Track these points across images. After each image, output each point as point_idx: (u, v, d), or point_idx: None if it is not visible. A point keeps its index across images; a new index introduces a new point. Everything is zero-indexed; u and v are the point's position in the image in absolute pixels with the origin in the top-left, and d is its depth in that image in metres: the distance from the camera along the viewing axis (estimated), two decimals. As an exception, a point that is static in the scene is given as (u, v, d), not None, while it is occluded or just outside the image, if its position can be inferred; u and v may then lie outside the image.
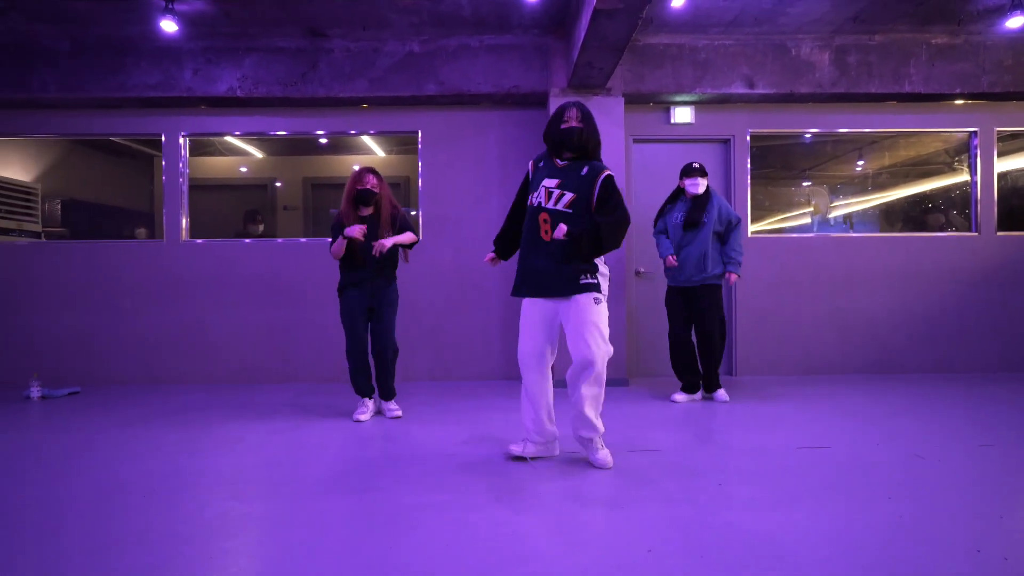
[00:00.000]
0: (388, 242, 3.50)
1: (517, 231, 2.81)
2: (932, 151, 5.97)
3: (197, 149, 5.88)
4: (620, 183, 4.79)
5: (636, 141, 5.16)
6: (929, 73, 4.89)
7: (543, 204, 2.62)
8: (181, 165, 5.12)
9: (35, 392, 4.37)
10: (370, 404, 3.72)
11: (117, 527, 2.06)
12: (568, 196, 2.59)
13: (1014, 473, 2.54)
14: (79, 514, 2.19)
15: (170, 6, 4.09)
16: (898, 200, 5.97)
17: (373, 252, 3.47)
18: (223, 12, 4.38)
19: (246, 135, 5.33)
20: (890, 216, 5.96)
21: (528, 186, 2.76)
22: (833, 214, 5.93)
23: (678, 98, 5.02)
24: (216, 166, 6.71)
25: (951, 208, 5.64)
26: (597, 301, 2.60)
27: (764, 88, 4.90)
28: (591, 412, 2.63)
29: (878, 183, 5.97)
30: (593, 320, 2.57)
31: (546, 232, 2.60)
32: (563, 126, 2.65)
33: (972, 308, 5.19)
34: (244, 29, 4.67)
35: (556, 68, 4.81)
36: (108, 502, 2.30)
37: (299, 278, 5.08)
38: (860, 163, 6.02)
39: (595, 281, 2.61)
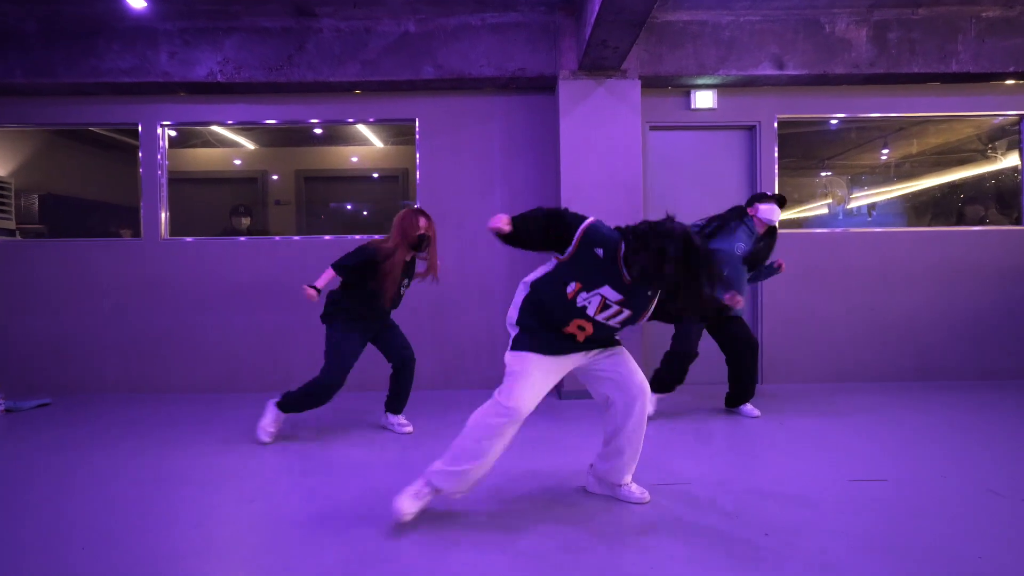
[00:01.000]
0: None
1: (531, 241, 2.10)
2: (963, 137, 5.52)
3: (185, 140, 5.52)
4: (638, 174, 4.37)
5: (653, 128, 4.73)
6: (979, 50, 4.42)
7: (589, 312, 2.08)
8: (160, 157, 4.73)
9: (-1, 405, 4.02)
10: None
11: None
12: (625, 314, 2.09)
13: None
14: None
15: (138, -20, 3.69)
16: (928, 190, 5.52)
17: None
18: (199, -13, 3.98)
19: (229, 124, 4.94)
20: (919, 208, 5.52)
21: (566, 233, 2.06)
22: (854, 204, 5.50)
23: (699, 81, 4.58)
24: (203, 158, 6.33)
25: (987, 199, 5.20)
26: None
27: (794, 69, 4.45)
28: None
29: (904, 172, 5.52)
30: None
31: (580, 332, 2.14)
32: (660, 271, 1.88)
33: (1022, 309, 4.74)
34: (224, 7, 4.27)
35: (566, 49, 4.38)
36: (44, 550, 1.93)
37: (290, 278, 4.69)
38: (885, 152, 5.58)
39: None
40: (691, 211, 4.70)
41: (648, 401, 2.27)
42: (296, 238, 4.80)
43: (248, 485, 2.59)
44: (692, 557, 1.86)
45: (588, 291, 2.05)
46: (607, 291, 2.04)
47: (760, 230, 3.57)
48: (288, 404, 3.20)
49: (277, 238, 4.83)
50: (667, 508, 2.27)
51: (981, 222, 5.00)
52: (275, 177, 6.43)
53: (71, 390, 4.65)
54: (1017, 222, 4.90)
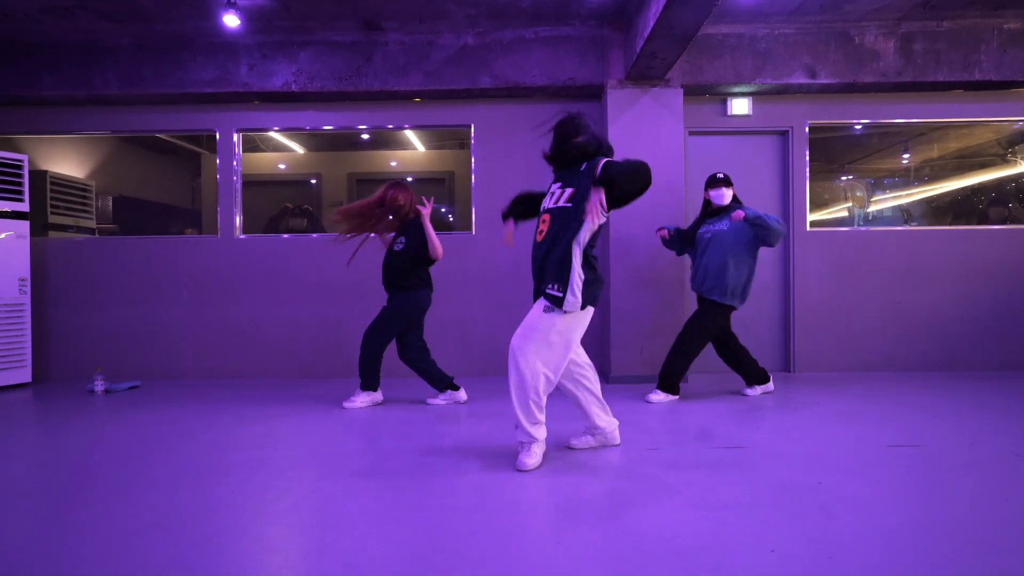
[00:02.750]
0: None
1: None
2: (983, 142, 5.80)
3: (244, 145, 5.92)
4: (679, 177, 4.72)
5: (692, 134, 5.07)
6: (1001, 60, 4.72)
7: (546, 205, 2.68)
8: (235, 162, 5.14)
9: (99, 386, 4.41)
10: None
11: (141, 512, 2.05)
12: (568, 191, 2.61)
13: None
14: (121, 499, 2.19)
15: (233, 0, 4.09)
16: (952, 192, 5.80)
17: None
18: (283, 6, 4.38)
19: (299, 130, 5.33)
20: (941, 210, 5.80)
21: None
22: (874, 208, 5.79)
23: (736, 89, 4.91)
24: (260, 162, 6.75)
25: (1008, 201, 5.47)
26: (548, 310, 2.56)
27: (825, 78, 4.77)
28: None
29: (925, 175, 5.81)
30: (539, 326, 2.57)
31: (541, 232, 2.64)
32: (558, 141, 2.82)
33: (1042, 304, 5.02)
34: (300, 23, 4.67)
35: (613, 60, 4.73)
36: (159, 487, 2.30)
37: (347, 274, 5.06)
38: (906, 156, 5.86)
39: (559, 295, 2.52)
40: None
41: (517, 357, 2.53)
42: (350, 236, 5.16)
43: (311, 447, 2.96)
44: (758, 495, 2.20)
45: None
46: (554, 186, 2.72)
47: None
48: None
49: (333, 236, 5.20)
50: (729, 463, 2.60)
51: (1005, 222, 5.28)
52: (313, 182, 6.83)
53: (154, 374, 5.06)
54: (1037, 221, 5.17)
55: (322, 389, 4.53)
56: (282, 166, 6.97)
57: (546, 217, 2.61)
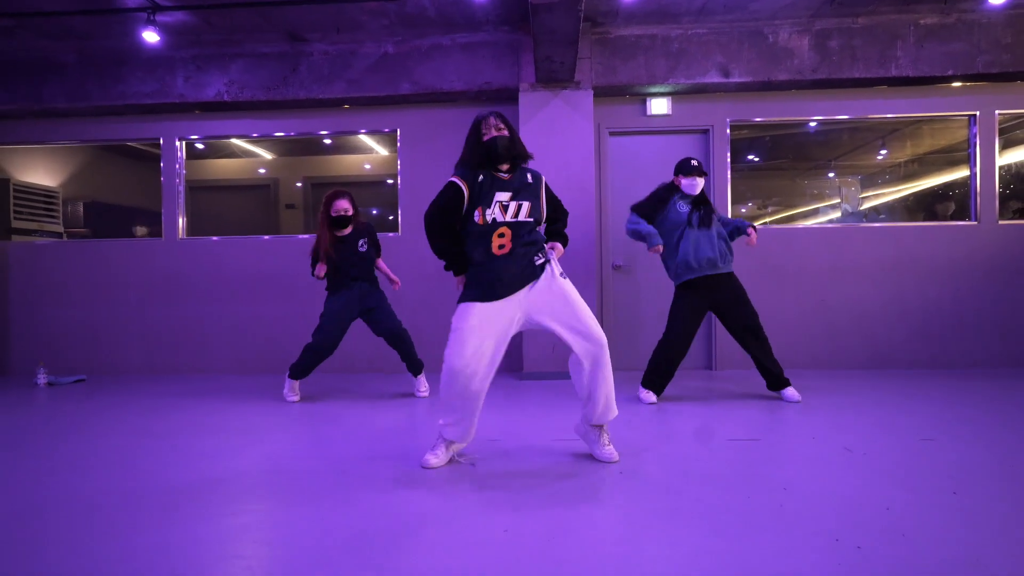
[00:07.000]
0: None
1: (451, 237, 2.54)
2: (960, 139, 5.68)
3: (212, 152, 6.22)
4: (591, 176, 4.81)
5: (612, 134, 5.14)
6: (918, 55, 4.66)
7: (499, 219, 2.43)
8: (178, 167, 5.43)
9: (41, 379, 4.74)
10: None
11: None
12: (526, 205, 2.47)
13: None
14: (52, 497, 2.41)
15: (152, 18, 4.35)
16: (925, 190, 5.68)
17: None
18: (205, 21, 4.63)
19: (236, 137, 5.59)
20: (907, 207, 5.69)
21: (460, 205, 2.44)
22: (865, 206, 5.71)
23: (653, 89, 4.97)
24: (224, 167, 7.05)
25: (953, 196, 5.36)
26: (564, 275, 2.55)
27: (740, 76, 4.79)
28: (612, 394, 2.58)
29: (899, 173, 5.70)
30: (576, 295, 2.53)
31: (500, 247, 2.44)
32: (486, 138, 2.47)
33: (971, 301, 4.92)
34: (228, 36, 4.92)
35: (526, 63, 4.84)
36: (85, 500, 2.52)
37: (285, 274, 5.29)
38: (883, 152, 5.78)
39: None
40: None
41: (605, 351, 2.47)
42: (302, 236, 5.39)
43: (247, 438, 3.16)
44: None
45: (488, 206, 2.42)
46: (499, 195, 2.44)
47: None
48: (294, 371, 3.96)
49: (270, 237, 5.44)
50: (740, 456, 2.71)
51: (954, 217, 5.17)
52: (299, 184, 7.09)
53: (101, 370, 5.38)
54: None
55: (259, 386, 4.76)
56: (262, 171, 7.25)
57: (505, 231, 2.44)
